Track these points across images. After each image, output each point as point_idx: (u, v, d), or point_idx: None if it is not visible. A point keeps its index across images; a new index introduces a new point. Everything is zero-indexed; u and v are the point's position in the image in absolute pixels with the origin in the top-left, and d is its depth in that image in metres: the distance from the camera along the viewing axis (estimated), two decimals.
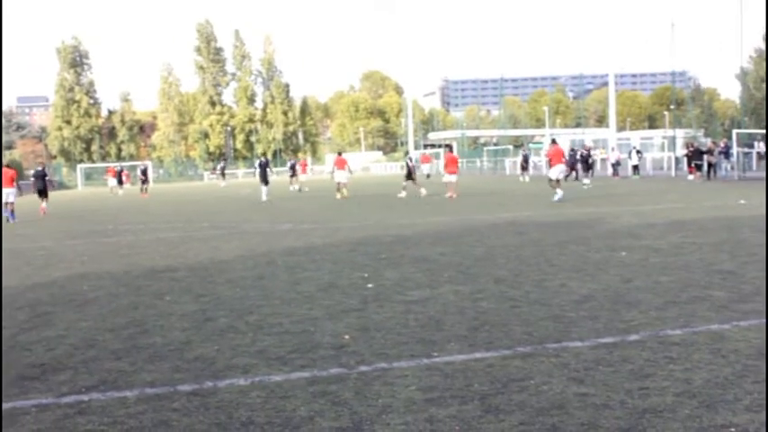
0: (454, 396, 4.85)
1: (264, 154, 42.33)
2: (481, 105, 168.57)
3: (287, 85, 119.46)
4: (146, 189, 49.53)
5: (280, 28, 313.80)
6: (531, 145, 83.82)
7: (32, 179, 35.19)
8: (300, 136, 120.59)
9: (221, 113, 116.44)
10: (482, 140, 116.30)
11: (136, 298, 9.14)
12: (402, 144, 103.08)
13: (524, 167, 45.42)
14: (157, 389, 5.33)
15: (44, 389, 5.48)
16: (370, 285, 9.19)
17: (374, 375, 5.40)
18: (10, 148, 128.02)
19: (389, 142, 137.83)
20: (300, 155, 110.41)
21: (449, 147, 40.42)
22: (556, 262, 10.51)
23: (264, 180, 34.39)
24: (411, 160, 34.93)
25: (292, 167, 47.64)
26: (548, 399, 4.72)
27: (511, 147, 77.47)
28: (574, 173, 41.39)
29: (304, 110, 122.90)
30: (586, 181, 37.31)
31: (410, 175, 32.89)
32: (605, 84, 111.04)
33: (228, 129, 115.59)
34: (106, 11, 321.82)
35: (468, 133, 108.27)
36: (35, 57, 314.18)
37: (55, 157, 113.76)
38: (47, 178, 33.50)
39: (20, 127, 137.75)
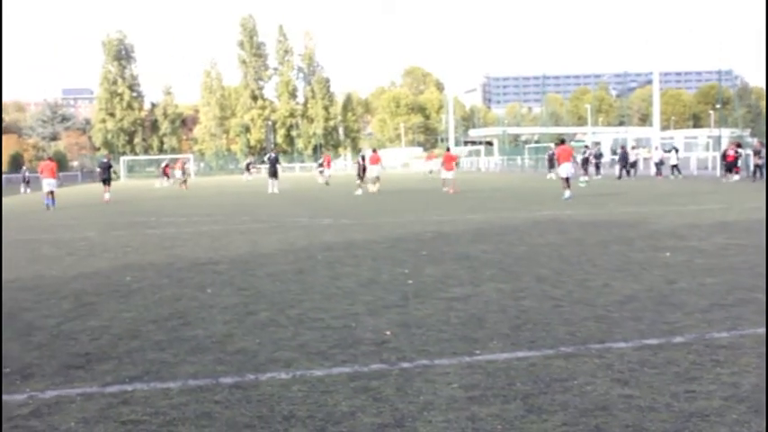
0: (496, 395, 4.81)
1: (275, 148, 44.35)
2: (523, 102, 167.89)
3: (328, 81, 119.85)
4: (185, 181, 50.42)
5: (322, 23, 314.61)
6: (572, 143, 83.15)
7: (98, 169, 38.25)
8: (341, 131, 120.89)
9: (263, 108, 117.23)
10: (523, 138, 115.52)
11: (178, 290, 9.21)
12: (443, 140, 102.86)
13: (552, 165, 45.33)
14: (200, 381, 5.36)
15: (89, 378, 5.53)
16: (410, 282, 9.17)
17: (416, 372, 5.38)
18: (55, 139, 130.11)
19: (430, 138, 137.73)
20: (341, 150, 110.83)
21: (447, 148, 41.44)
22: (598, 262, 10.40)
23: (274, 174, 36.61)
24: (363, 159, 35.86)
25: (321, 164, 48.97)
26: (591, 400, 4.67)
27: (552, 144, 76.95)
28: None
29: (346, 105, 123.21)
30: (584, 179, 37.89)
31: (361, 173, 34.13)
32: (649, 82, 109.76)
33: (269, 123, 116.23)
34: (151, 4, 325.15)
35: (510, 131, 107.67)
36: (81, 50, 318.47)
37: (98, 149, 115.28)
38: (111, 169, 36.12)
39: (65, 119, 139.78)
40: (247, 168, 70.50)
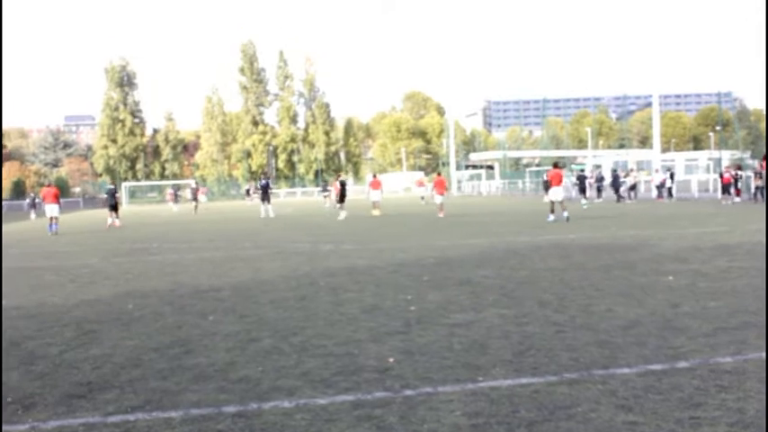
0: (500, 422, 4.79)
1: (265, 174, 45.35)
2: (523, 126, 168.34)
3: (328, 106, 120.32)
4: (196, 206, 52.41)
5: (321, 49, 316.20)
6: (573, 166, 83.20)
7: (105, 195, 39.44)
8: (342, 156, 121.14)
9: (264, 133, 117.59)
10: (524, 161, 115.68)
11: (180, 317, 9.20)
12: (444, 164, 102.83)
13: (547, 189, 45.50)
14: (202, 409, 5.34)
15: (91, 407, 5.52)
16: (413, 308, 9.15)
17: (419, 400, 5.36)
18: (57, 165, 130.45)
19: (431, 162, 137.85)
20: (342, 174, 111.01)
21: (438, 172, 42.20)
22: (601, 286, 10.39)
23: (266, 199, 37.95)
24: (341, 184, 37.00)
25: (325, 188, 49.35)
26: (596, 427, 4.65)
27: (584, 166, 77.03)
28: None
29: (347, 130, 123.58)
30: (584, 201, 38.54)
31: (340, 198, 35.43)
32: (649, 104, 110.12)
33: (271, 148, 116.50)
34: (153, 31, 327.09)
35: (510, 154, 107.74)
36: (83, 76, 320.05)
37: (100, 175, 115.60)
38: (116, 195, 37.28)
39: (66, 145, 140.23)
40: (247, 193, 71.10)
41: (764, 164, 25.83)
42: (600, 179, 49.69)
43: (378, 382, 5.86)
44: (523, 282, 11.10)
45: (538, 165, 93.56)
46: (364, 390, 5.67)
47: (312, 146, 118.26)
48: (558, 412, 4.95)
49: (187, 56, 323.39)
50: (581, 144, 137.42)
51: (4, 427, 5.15)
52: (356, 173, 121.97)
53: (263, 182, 40.46)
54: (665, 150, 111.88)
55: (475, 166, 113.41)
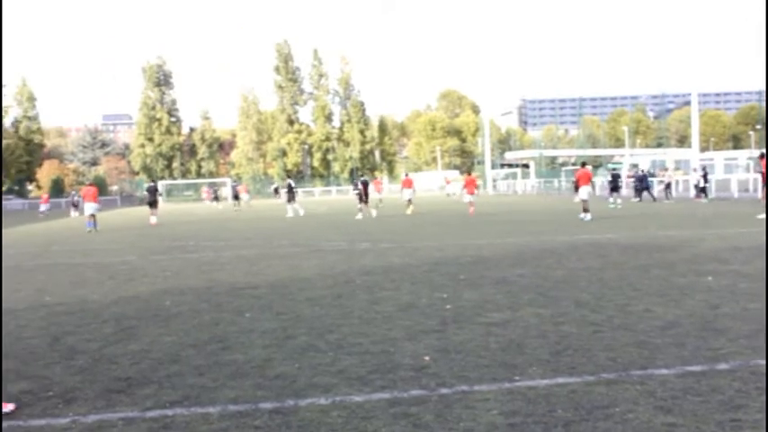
0: (537, 422, 4.78)
1: (290, 175, 45.76)
2: (559, 125, 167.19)
3: (363, 104, 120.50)
4: (237, 205, 53.76)
5: (357, 47, 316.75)
6: (609, 165, 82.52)
7: (146, 193, 40.49)
8: (377, 155, 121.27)
9: (299, 132, 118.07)
10: (560, 160, 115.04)
11: (217, 314, 9.28)
12: (479, 163, 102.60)
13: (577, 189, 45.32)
14: (240, 406, 5.39)
15: (130, 402, 5.59)
16: (449, 306, 9.15)
17: (455, 398, 5.36)
18: (95, 164, 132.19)
19: (466, 161, 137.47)
20: (377, 173, 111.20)
21: (469, 172, 42.27)
22: (639, 286, 10.30)
23: (292, 199, 38.44)
24: (364, 184, 37.44)
25: (356, 186, 49.52)
26: (634, 428, 4.62)
27: (618, 165, 76.46)
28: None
29: (382, 129, 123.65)
30: (611, 200, 37.93)
31: (364, 198, 35.96)
32: (687, 103, 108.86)
33: (306, 147, 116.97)
34: (189, 31, 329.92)
35: (546, 153, 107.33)
36: (120, 76, 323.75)
37: (137, 174, 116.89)
38: (157, 192, 38.56)
39: (104, 144, 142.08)
40: (275, 192, 71.55)
41: (763, 162, 25.56)
42: (639, 178, 49.20)
43: (414, 380, 5.86)
44: (560, 281, 11.04)
45: (574, 164, 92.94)
46: (400, 388, 5.68)
47: (347, 144, 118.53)
48: (596, 412, 4.92)
49: (223, 55, 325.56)
50: (618, 143, 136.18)
51: (47, 420, 5.23)
52: (390, 171, 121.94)
53: (288, 182, 41.15)
54: (703, 149, 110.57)
55: (510, 165, 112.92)
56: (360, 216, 33.76)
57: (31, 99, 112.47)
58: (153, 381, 6.17)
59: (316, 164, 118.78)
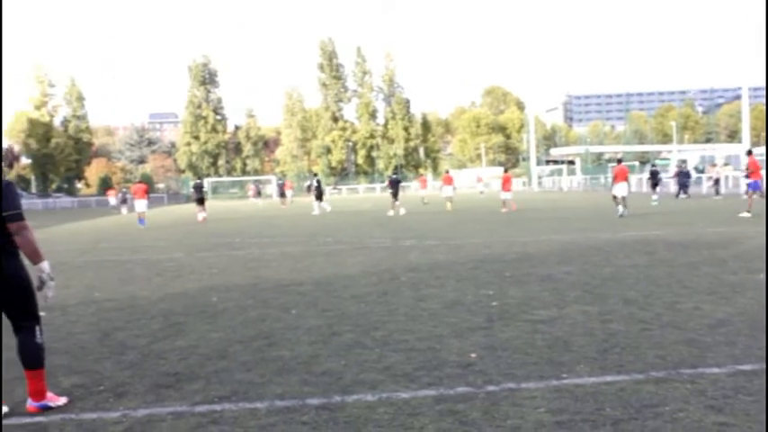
0: (585, 420, 4.74)
1: (316, 174, 46.33)
2: (605, 121, 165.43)
3: (408, 102, 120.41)
4: (283, 201, 55.32)
5: (401, 44, 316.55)
6: (657, 161, 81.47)
7: (192, 190, 42.36)
8: (422, 152, 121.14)
9: (343, 129, 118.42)
10: (606, 156, 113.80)
11: (263, 310, 9.34)
12: (524, 160, 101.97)
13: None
14: (287, 401, 5.42)
15: (179, 397, 5.66)
16: (494, 303, 9.11)
17: (502, 396, 5.33)
18: (142, 162, 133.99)
19: (510, 158, 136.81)
20: (422, 170, 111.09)
21: (506, 169, 42.36)
22: (688, 283, 10.15)
23: (319, 197, 39.28)
24: (318, 183, 40.05)
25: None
26: (684, 427, 4.56)
27: (636, 163, 75.50)
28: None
29: (425, 125, 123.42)
30: (654, 197, 38.05)
31: (320, 196, 38.22)
32: (738, 97, 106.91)
33: (350, 144, 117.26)
34: (234, 30, 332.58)
35: (592, 149, 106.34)
36: (166, 75, 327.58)
37: (183, 172, 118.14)
38: (203, 190, 39.23)
39: (151, 142, 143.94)
40: (308, 189, 71.35)
41: (751, 159, 25.38)
42: (686, 174, 48.52)
43: (460, 378, 5.85)
44: (607, 278, 10.93)
45: (620, 160, 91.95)
46: (446, 385, 5.67)
47: (391, 141, 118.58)
48: (645, 411, 4.87)
49: (268, 53, 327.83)
50: (665, 139, 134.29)
51: (99, 414, 5.32)
52: (435, 168, 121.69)
53: (315, 181, 41.79)
54: (754, 144, 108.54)
55: (555, 162, 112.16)
56: (391, 212, 34.32)
57: (80, 99, 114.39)
58: (201, 376, 6.23)
59: (360, 161, 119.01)
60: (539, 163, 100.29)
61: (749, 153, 26.64)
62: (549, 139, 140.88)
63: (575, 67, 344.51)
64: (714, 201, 37.20)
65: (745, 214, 23.39)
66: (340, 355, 6.74)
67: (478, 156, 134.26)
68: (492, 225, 24.24)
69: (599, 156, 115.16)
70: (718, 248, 14.41)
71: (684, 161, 75.62)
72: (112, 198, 64.15)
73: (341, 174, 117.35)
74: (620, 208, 25.65)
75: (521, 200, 49.55)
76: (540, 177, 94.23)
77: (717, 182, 44.20)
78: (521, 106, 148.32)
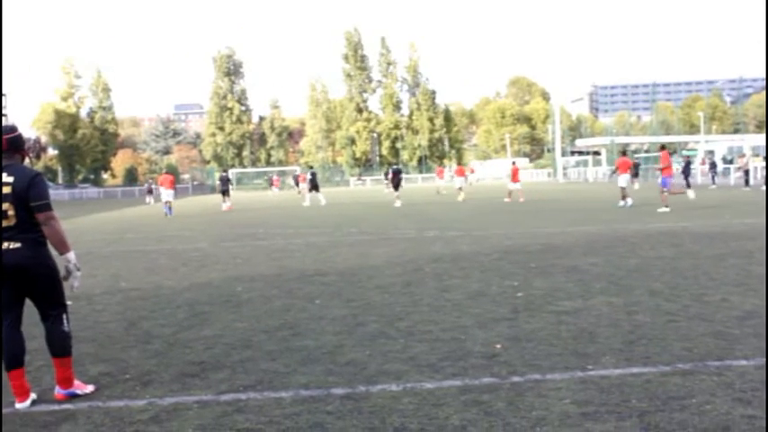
0: (611, 411, 4.71)
1: (312, 167, 46.93)
2: (631, 111, 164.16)
3: (433, 92, 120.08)
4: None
5: (425, 35, 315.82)
6: (684, 152, 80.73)
7: (218, 182, 43.51)
8: (446, 142, 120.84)
9: (368, 120, 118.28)
10: (632, 147, 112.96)
11: (288, 300, 9.37)
12: (549, 151, 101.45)
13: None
14: (312, 391, 5.43)
15: (204, 386, 5.69)
16: (519, 294, 9.08)
17: (527, 386, 5.31)
18: (167, 152, 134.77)
19: (535, 149, 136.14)
20: (446, 161, 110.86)
21: (513, 162, 42.69)
22: (715, 275, 10.06)
23: (314, 188, 40.00)
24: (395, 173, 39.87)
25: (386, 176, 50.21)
26: (711, 419, 4.51)
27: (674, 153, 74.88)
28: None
29: (447, 116, 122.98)
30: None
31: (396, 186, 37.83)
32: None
33: (375, 135, 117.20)
34: (258, 20, 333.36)
35: (618, 140, 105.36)
36: (191, 66, 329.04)
37: (208, 162, 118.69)
38: (229, 181, 40.69)
39: (176, 133, 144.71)
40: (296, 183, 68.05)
41: (664, 154, 25.39)
42: (713, 165, 48.14)
43: (485, 368, 5.84)
44: (633, 270, 10.85)
45: (647, 151, 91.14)
46: (471, 375, 5.66)
47: (416, 132, 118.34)
48: (672, 403, 4.83)
49: (292, 44, 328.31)
50: (692, 129, 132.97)
51: (125, 402, 5.37)
52: (459, 159, 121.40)
53: (308, 173, 42.56)
54: None
55: (581, 153, 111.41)
56: (398, 204, 34.86)
57: (106, 90, 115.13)
58: (226, 365, 6.26)
59: (384, 152, 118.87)
60: (564, 154, 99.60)
61: (663, 148, 26.57)
62: (575, 130, 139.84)
63: (600, 56, 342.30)
64: (743, 192, 36.83)
65: (664, 209, 23.58)
66: (364, 346, 6.75)
67: (503, 147, 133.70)
68: (516, 216, 24.15)
69: (625, 147, 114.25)
70: (745, 240, 14.27)
71: (712, 152, 74.92)
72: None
73: (365, 165, 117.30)
74: (622, 201, 26.65)
75: (545, 191, 49.35)
76: (565, 168, 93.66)
77: (747, 173, 43.76)
78: (546, 97, 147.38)
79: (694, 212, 22.52)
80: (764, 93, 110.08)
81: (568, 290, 9.31)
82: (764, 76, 76.69)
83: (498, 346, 6.52)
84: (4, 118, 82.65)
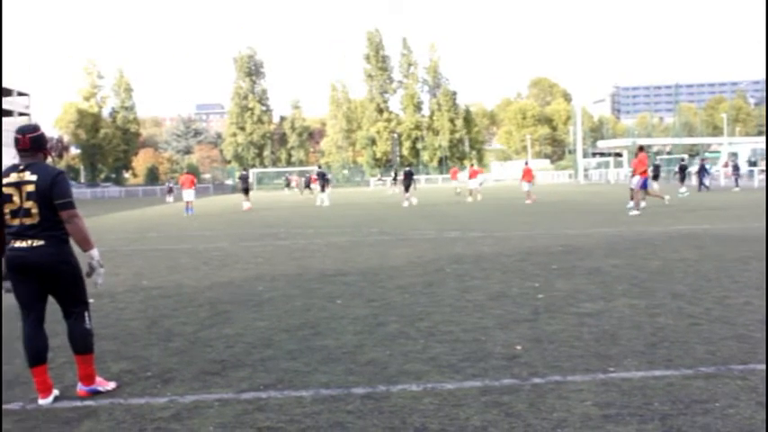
0: (633, 414, 4.68)
1: (320, 166, 47.37)
2: (654, 113, 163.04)
3: (453, 93, 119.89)
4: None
5: (447, 35, 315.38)
6: (706, 154, 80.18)
7: (239, 180, 43.76)
8: (467, 143, 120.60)
9: (388, 120, 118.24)
10: (654, 149, 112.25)
11: (309, 300, 9.38)
12: (570, 152, 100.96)
13: (656, 177, 45.67)
14: (332, 390, 5.44)
15: (225, 384, 5.71)
16: (541, 296, 9.04)
17: (548, 388, 5.29)
18: (188, 152, 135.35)
19: (557, 150, 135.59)
20: (466, 162, 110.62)
21: (526, 162, 42.54)
22: (739, 278, 9.97)
23: (324, 188, 39.96)
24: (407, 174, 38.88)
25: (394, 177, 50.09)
26: (734, 424, 4.48)
27: (686, 156, 74.31)
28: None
29: (467, 117, 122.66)
30: (682, 190, 39.02)
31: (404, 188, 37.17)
32: None
33: (395, 136, 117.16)
34: (279, 21, 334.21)
35: (640, 141, 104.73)
36: (212, 67, 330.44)
37: (229, 162, 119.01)
38: (248, 180, 41.00)
39: (197, 133, 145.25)
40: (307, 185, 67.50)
41: (641, 157, 25.38)
42: (735, 168, 47.82)
43: (506, 369, 5.82)
44: (655, 272, 10.78)
45: (669, 153, 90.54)
46: (492, 376, 5.65)
47: (436, 133, 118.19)
48: (694, 406, 4.79)
49: (313, 44, 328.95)
50: (716, 131, 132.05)
51: (146, 399, 5.39)
52: (480, 160, 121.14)
53: (318, 172, 43.06)
54: None
55: (602, 154, 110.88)
56: (406, 204, 35.36)
57: (128, 90, 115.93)
58: (247, 364, 6.28)
59: (405, 152, 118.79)
60: (585, 155, 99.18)
61: (641, 149, 26.51)
62: (596, 131, 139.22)
63: (623, 57, 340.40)
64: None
65: (635, 212, 23.75)
66: (385, 345, 6.75)
67: (524, 148, 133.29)
68: (538, 217, 24.05)
69: (647, 148, 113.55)
70: None
71: (735, 154, 74.40)
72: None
73: (385, 165, 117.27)
74: (632, 203, 25.85)
75: (566, 192, 49.13)
76: (586, 170, 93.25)
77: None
78: (567, 98, 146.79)
79: (716, 214, 22.33)
80: None
81: (590, 291, 9.26)
82: None
83: (519, 347, 6.50)
84: (27, 117, 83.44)
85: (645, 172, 25.24)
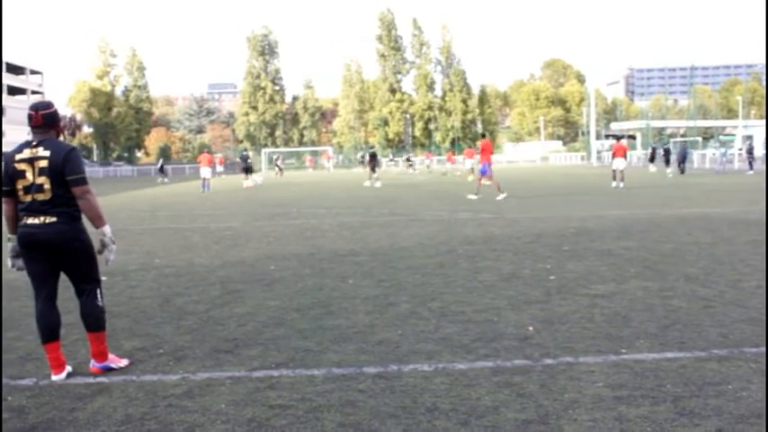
0: (645, 396, 4.67)
1: (373, 146, 47.89)
2: (668, 95, 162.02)
3: (465, 74, 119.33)
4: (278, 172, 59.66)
5: (460, 16, 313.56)
6: (721, 137, 79.64)
7: (239, 160, 45.06)
8: (479, 124, 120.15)
9: (401, 101, 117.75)
10: (668, 131, 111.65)
11: (320, 280, 9.39)
12: (583, 134, 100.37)
13: (667, 161, 48.90)
14: (344, 369, 5.45)
15: (237, 362, 5.72)
16: (552, 277, 9.02)
17: (559, 369, 5.29)
18: (200, 132, 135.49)
19: (570, 132, 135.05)
20: (479, 141, 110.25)
21: (483, 134, 41.66)
22: (751, 261, 9.92)
23: (376, 166, 40.43)
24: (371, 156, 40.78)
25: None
26: (747, 406, 4.46)
27: (700, 138, 73.93)
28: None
29: (482, 98, 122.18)
30: (668, 171, 42.15)
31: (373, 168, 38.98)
32: None
33: (408, 116, 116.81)
34: (292, 1, 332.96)
35: (654, 124, 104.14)
36: (226, 46, 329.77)
37: (241, 142, 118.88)
38: (249, 160, 42.42)
39: (210, 112, 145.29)
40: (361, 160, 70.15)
41: (485, 143, 25.46)
42: (750, 151, 47.53)
43: (517, 350, 5.82)
44: (668, 255, 10.74)
45: (683, 135, 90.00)
46: (504, 357, 5.64)
47: (449, 114, 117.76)
48: (707, 389, 4.78)
49: (326, 24, 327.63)
50: (731, 114, 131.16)
51: (159, 377, 5.42)
52: (493, 141, 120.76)
53: (372, 153, 43.02)
54: None
55: (616, 137, 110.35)
56: (367, 183, 37.82)
57: (141, 69, 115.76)
58: (259, 342, 6.30)
59: (417, 133, 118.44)
60: (598, 137, 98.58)
61: (483, 136, 26.70)
62: (610, 114, 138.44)
63: (637, 39, 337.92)
64: None
65: (472, 196, 24.46)
66: (396, 325, 6.75)
67: (537, 129, 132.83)
68: (549, 199, 24.00)
69: (660, 131, 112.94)
70: None
71: (750, 137, 73.84)
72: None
73: (398, 146, 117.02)
74: (615, 183, 29.13)
75: (579, 174, 48.92)
76: (599, 152, 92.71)
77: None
78: (581, 79, 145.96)
79: (730, 198, 22.22)
80: None
81: (602, 273, 9.24)
82: None
83: (531, 328, 6.49)
84: (40, 96, 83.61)
85: (488, 157, 25.41)
